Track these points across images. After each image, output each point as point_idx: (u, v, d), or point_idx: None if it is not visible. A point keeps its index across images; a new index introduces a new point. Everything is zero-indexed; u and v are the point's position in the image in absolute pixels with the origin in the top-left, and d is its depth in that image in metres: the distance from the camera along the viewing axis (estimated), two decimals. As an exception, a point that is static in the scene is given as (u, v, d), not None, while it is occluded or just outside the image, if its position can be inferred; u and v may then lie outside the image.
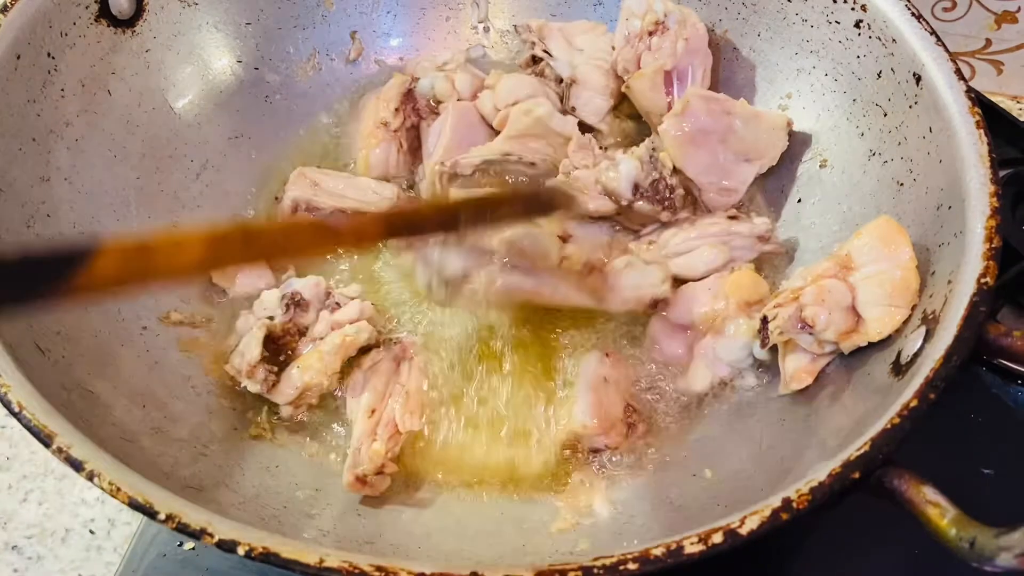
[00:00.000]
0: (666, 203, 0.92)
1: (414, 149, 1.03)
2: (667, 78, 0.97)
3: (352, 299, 0.88)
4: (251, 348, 0.83)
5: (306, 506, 0.77)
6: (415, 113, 1.02)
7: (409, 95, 1.02)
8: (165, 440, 0.76)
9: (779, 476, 0.70)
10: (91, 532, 0.94)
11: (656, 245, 0.94)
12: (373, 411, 0.82)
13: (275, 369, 0.84)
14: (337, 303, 0.88)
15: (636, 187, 0.91)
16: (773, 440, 0.80)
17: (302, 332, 0.87)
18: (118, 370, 0.79)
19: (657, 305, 0.90)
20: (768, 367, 0.87)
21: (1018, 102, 1.31)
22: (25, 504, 0.95)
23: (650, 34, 0.98)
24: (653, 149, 0.93)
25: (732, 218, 0.93)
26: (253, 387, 0.83)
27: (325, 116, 1.07)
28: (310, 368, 0.84)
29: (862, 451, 0.59)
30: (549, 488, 0.82)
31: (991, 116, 1.13)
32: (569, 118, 0.98)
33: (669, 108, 0.96)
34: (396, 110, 1.01)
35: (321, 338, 0.86)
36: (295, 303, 0.87)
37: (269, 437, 0.84)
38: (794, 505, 0.57)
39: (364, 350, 0.87)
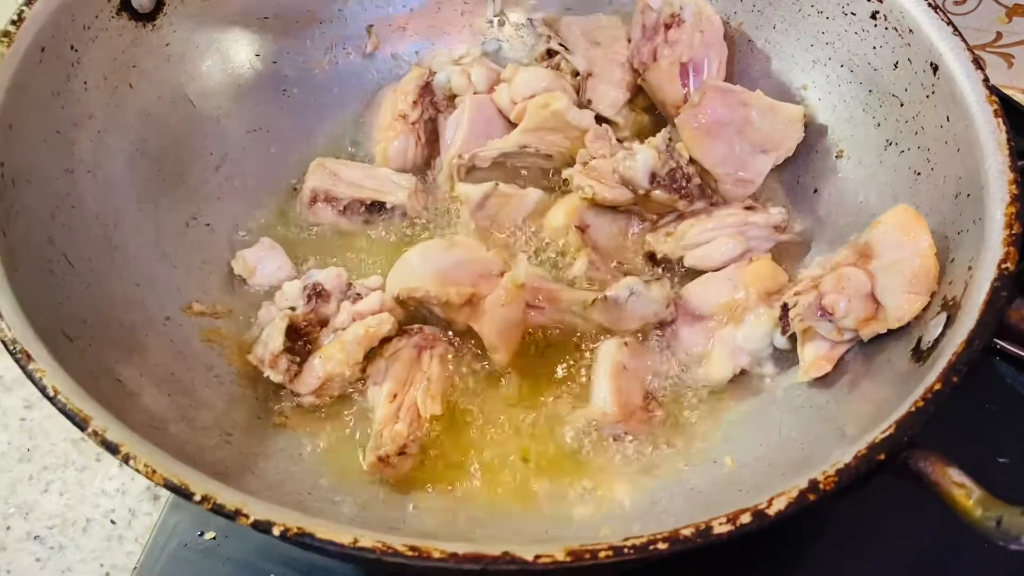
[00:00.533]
0: (683, 192, 0.92)
1: (431, 141, 1.04)
2: (683, 70, 0.98)
3: (373, 290, 0.89)
4: (274, 338, 0.83)
5: (330, 493, 0.78)
6: (432, 106, 1.03)
7: (427, 88, 1.03)
8: (191, 427, 0.76)
9: (800, 463, 0.71)
10: (112, 522, 0.95)
11: (674, 237, 0.94)
12: (395, 396, 0.83)
13: (297, 359, 0.84)
14: (358, 294, 0.88)
15: (653, 176, 0.92)
16: (793, 427, 0.81)
17: (324, 323, 0.88)
18: (144, 358, 0.80)
19: (664, 325, 0.91)
20: (788, 356, 0.87)
21: (1029, 95, 1.32)
22: (47, 495, 0.96)
23: (666, 27, 0.99)
24: (670, 139, 0.93)
25: (748, 208, 0.94)
26: (276, 377, 0.84)
27: (342, 109, 1.07)
28: (332, 358, 0.84)
29: (888, 433, 0.60)
30: (570, 475, 0.82)
31: (1004, 108, 1.14)
32: (586, 112, 0.99)
33: (685, 100, 0.97)
34: (414, 103, 1.02)
35: (343, 328, 0.86)
36: (317, 294, 0.88)
37: (292, 425, 0.85)
38: (821, 486, 0.58)
39: (385, 339, 0.87)
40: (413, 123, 1.01)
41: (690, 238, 0.93)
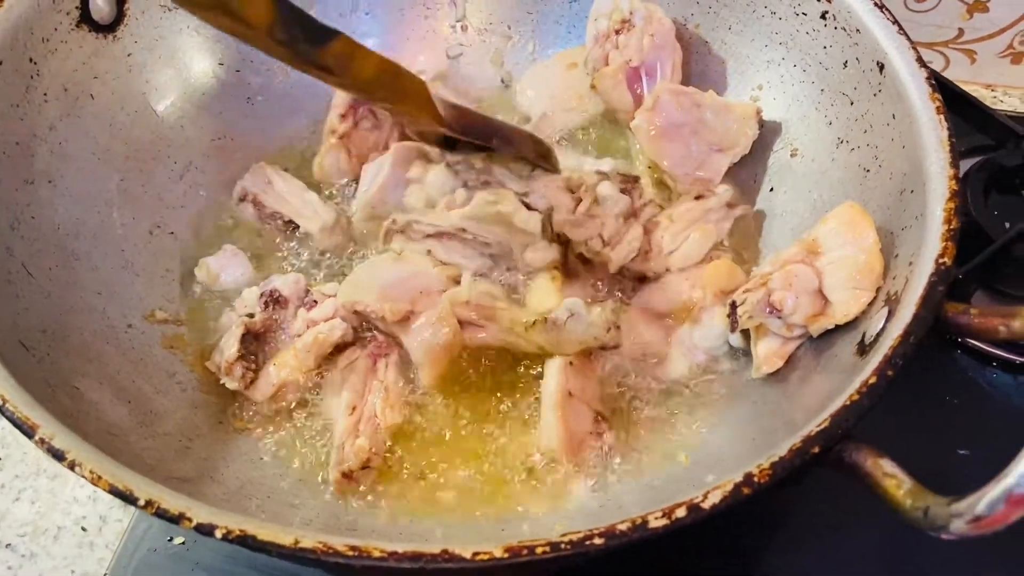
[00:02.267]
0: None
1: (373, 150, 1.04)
2: (635, 74, 0.99)
3: (329, 296, 0.89)
4: (229, 345, 0.85)
5: (290, 496, 0.79)
6: (371, 114, 1.03)
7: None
8: (150, 434, 0.77)
9: (751, 457, 0.71)
10: (83, 529, 0.95)
11: (654, 252, 0.94)
12: (353, 408, 0.83)
13: (253, 367, 0.86)
14: (315, 300, 0.89)
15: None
16: (746, 422, 0.82)
17: (282, 329, 0.89)
18: (103, 367, 0.81)
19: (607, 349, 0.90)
20: (743, 353, 0.88)
21: (992, 90, 1.33)
22: (18, 503, 0.97)
23: (617, 32, 0.99)
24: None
25: (698, 198, 0.95)
26: (231, 384, 0.85)
27: (307, 117, 1.08)
28: (286, 365, 0.85)
29: (822, 426, 0.61)
30: (526, 481, 0.83)
31: (964, 105, 1.16)
32: (534, 214, 0.92)
33: (638, 105, 0.98)
34: (342, 116, 1.01)
35: (299, 335, 0.87)
36: (274, 300, 0.89)
37: (253, 431, 0.86)
38: (755, 479, 0.59)
39: (341, 348, 0.88)
40: (341, 137, 1.01)
41: (667, 246, 0.94)
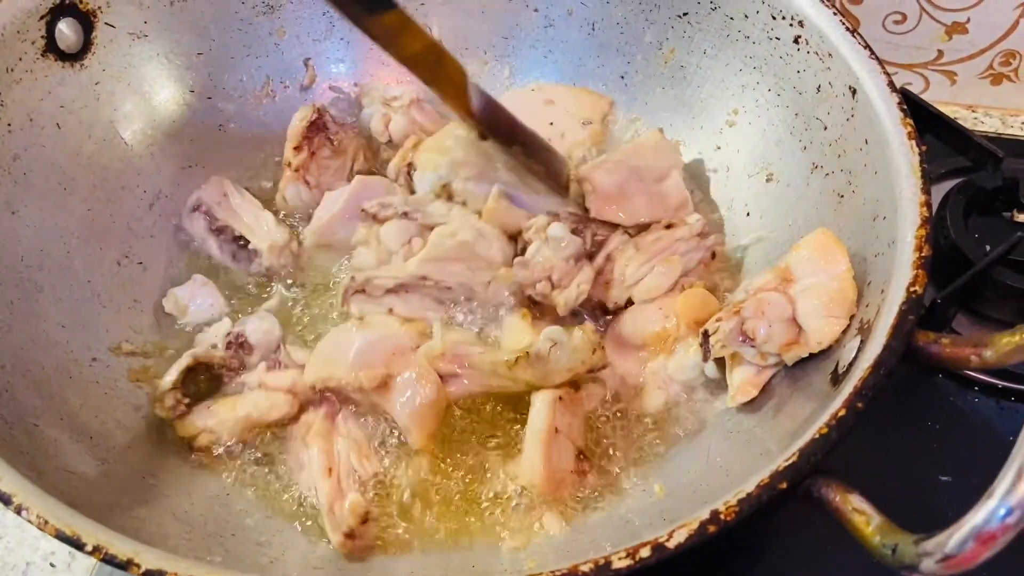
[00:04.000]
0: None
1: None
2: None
3: (295, 367, 0.87)
4: (170, 373, 0.84)
5: (255, 533, 0.77)
6: (329, 141, 1.02)
7: (314, 125, 1.02)
8: (111, 472, 0.76)
9: (724, 488, 0.70)
10: (52, 565, 0.94)
11: (615, 283, 0.93)
12: (330, 470, 0.81)
13: (186, 400, 0.84)
14: (280, 361, 0.88)
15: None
16: (720, 453, 0.81)
17: (240, 370, 0.88)
18: (65, 402, 0.79)
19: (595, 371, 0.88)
20: (719, 384, 0.87)
21: (973, 111, 1.33)
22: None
23: None
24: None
25: (668, 227, 0.94)
26: (159, 411, 0.84)
27: (281, 143, 1.07)
28: (216, 415, 0.84)
29: (790, 461, 0.60)
30: (501, 516, 0.81)
31: (942, 127, 1.15)
32: (494, 240, 0.92)
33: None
34: (295, 148, 1.01)
35: (249, 390, 0.86)
36: (239, 345, 0.88)
37: (217, 468, 0.84)
38: (722, 517, 0.58)
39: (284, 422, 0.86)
40: (297, 169, 1.00)
41: (630, 277, 0.93)
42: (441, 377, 0.85)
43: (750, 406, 0.82)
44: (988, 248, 1.05)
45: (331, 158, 1.02)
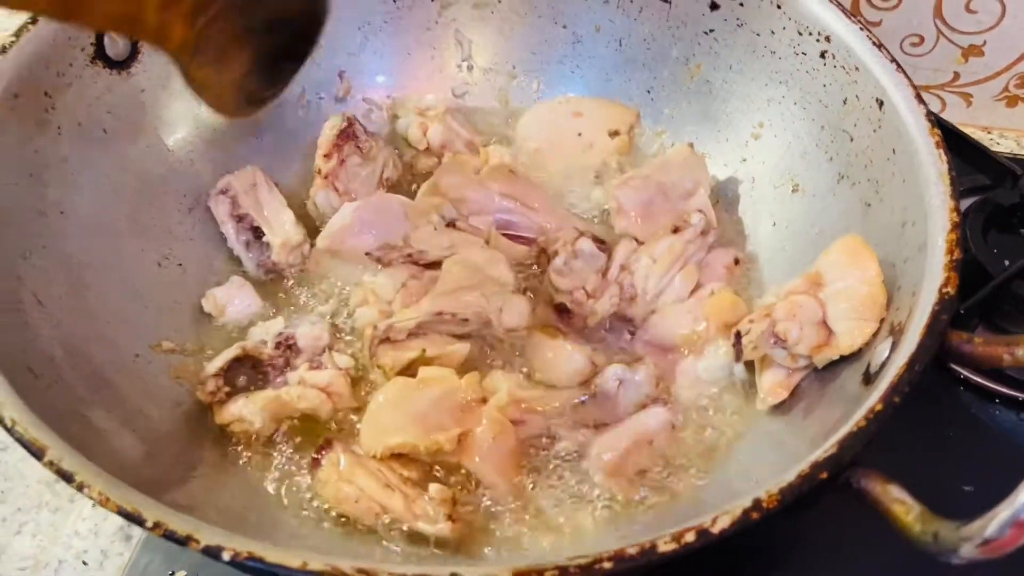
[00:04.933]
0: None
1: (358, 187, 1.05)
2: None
3: (337, 369, 0.88)
4: (217, 360, 0.86)
5: (293, 526, 0.79)
6: (357, 149, 1.04)
7: (344, 134, 1.04)
8: (155, 463, 0.77)
9: (755, 487, 0.72)
10: (84, 563, 0.95)
11: (639, 296, 0.95)
12: (387, 485, 0.79)
13: (227, 389, 0.87)
14: (323, 363, 0.89)
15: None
16: (751, 454, 0.82)
17: (284, 370, 0.89)
18: (111, 395, 0.81)
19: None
20: (748, 386, 0.89)
21: (988, 132, 1.35)
22: (19, 536, 0.96)
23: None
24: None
25: (675, 231, 0.96)
26: (200, 395, 0.86)
27: (315, 153, 1.10)
28: (250, 405, 0.85)
29: (829, 453, 0.61)
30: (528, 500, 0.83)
31: (962, 145, 1.18)
32: (502, 262, 0.92)
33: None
34: (325, 156, 1.03)
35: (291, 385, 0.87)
36: (287, 345, 0.89)
37: (258, 463, 0.86)
38: (764, 505, 0.59)
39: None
40: (327, 176, 1.03)
41: (651, 290, 0.95)
42: None
43: (779, 408, 0.83)
44: (1007, 263, 1.07)
45: (361, 166, 1.04)
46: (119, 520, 0.96)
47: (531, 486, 0.84)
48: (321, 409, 0.87)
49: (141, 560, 0.93)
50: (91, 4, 0.62)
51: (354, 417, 0.88)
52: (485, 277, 0.89)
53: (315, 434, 0.87)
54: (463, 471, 0.84)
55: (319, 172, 1.04)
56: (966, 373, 1.03)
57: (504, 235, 0.98)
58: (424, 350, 0.88)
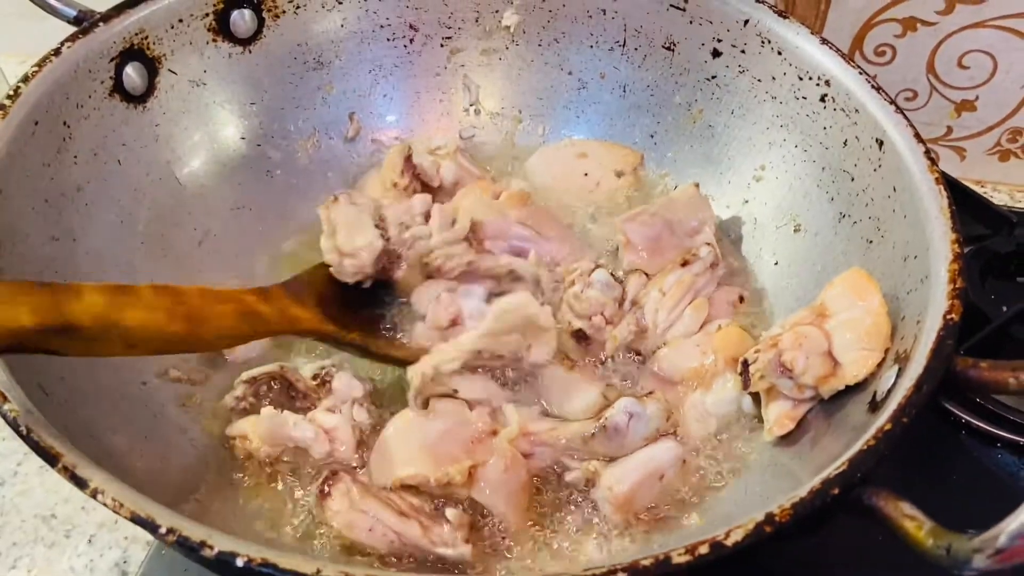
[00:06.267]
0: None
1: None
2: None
3: (351, 419, 0.86)
4: (253, 371, 0.87)
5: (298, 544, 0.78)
6: (416, 178, 1.07)
7: (408, 162, 1.07)
8: (161, 484, 0.77)
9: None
10: (81, 591, 0.93)
11: (649, 330, 0.95)
12: (400, 512, 0.79)
13: (252, 401, 0.87)
14: (340, 410, 0.87)
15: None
16: (757, 485, 0.82)
17: (310, 405, 0.89)
18: (118, 419, 0.81)
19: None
20: (755, 419, 0.89)
21: (982, 186, 1.37)
22: (14, 571, 0.95)
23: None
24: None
25: (684, 264, 0.97)
26: (228, 399, 0.88)
27: (325, 191, 1.10)
28: (257, 424, 0.84)
29: (841, 470, 0.62)
30: (543, 527, 0.83)
31: (958, 193, 1.19)
32: (546, 309, 0.90)
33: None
34: (402, 172, 1.06)
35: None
36: (323, 380, 0.89)
37: (262, 489, 0.85)
38: (777, 519, 0.59)
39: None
40: (404, 188, 1.05)
41: (661, 324, 0.95)
42: None
43: (786, 440, 0.84)
44: (1004, 309, 1.09)
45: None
46: (115, 556, 0.96)
47: (541, 517, 0.83)
48: (315, 447, 0.84)
49: (137, 594, 0.92)
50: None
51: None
52: (530, 323, 0.88)
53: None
54: (467, 502, 0.83)
55: (395, 186, 1.06)
56: (968, 417, 1.04)
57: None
58: (455, 391, 0.86)
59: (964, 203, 1.20)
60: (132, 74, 0.97)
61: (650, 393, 0.88)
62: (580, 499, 0.84)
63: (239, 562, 0.55)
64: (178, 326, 0.73)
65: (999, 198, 1.36)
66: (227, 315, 0.79)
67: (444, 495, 0.82)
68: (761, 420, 0.87)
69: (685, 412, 0.90)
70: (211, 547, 0.55)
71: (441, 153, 1.09)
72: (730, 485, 0.84)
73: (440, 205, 0.97)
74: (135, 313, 0.70)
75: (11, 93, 0.85)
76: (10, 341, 0.64)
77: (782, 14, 1.00)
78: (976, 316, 1.08)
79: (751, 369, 0.82)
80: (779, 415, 0.83)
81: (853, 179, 0.93)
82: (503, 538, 0.81)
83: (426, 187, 1.08)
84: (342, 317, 0.90)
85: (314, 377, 0.89)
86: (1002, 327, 1.06)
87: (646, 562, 0.56)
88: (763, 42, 1.01)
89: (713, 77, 1.07)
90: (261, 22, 1.06)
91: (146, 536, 0.97)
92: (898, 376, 0.72)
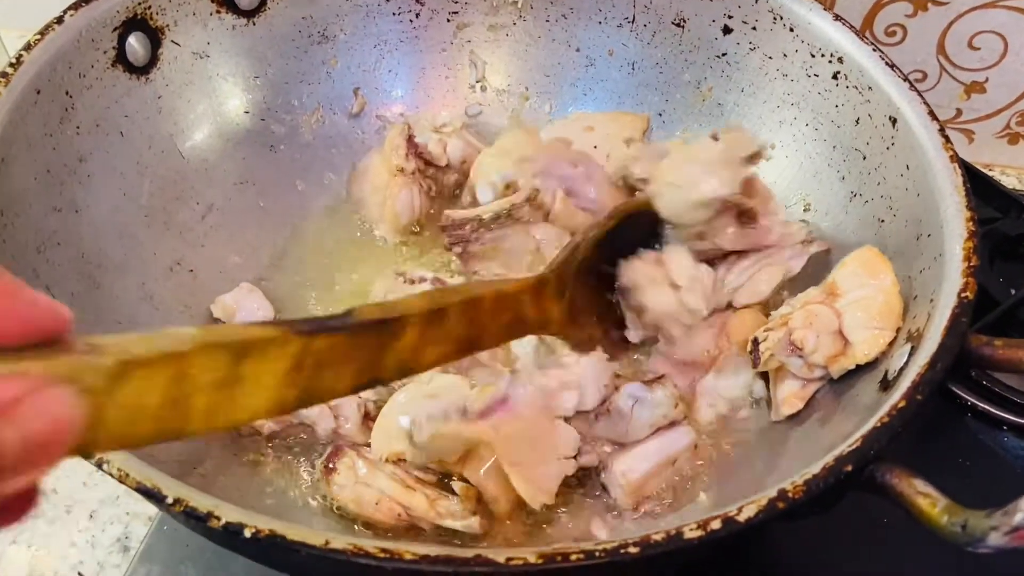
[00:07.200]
0: None
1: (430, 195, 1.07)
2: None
3: (356, 402, 0.86)
4: None
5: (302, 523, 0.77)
6: (420, 158, 1.05)
7: (411, 142, 1.05)
8: (164, 458, 0.76)
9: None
10: (79, 574, 0.93)
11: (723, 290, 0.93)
12: (405, 484, 0.79)
13: None
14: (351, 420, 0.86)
15: None
16: (767, 464, 0.82)
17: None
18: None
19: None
20: (764, 403, 0.88)
21: (990, 170, 1.36)
22: (15, 546, 0.94)
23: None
24: None
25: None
26: None
27: (329, 167, 1.11)
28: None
29: (854, 446, 0.61)
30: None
31: (968, 175, 1.19)
32: None
33: None
34: (406, 155, 1.04)
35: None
36: (366, 415, 0.87)
37: (267, 463, 0.85)
38: (790, 495, 0.58)
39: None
40: (412, 173, 1.04)
41: (731, 281, 0.93)
42: None
43: (795, 420, 0.83)
44: (1013, 292, 1.08)
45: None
46: (116, 531, 0.95)
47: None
48: (320, 423, 0.84)
49: (139, 572, 0.91)
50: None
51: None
52: None
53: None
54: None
55: (402, 171, 1.04)
56: (973, 400, 1.03)
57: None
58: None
59: (973, 185, 1.16)
60: (135, 44, 0.95)
61: (660, 377, 0.86)
62: (589, 478, 0.84)
63: (247, 533, 0.54)
64: (458, 355, 0.62)
65: (1008, 182, 1.35)
66: (500, 331, 0.68)
67: (443, 471, 0.81)
68: (771, 402, 0.86)
69: (697, 397, 0.89)
70: (218, 518, 0.55)
71: (447, 131, 1.08)
72: (740, 466, 0.84)
73: None
74: (436, 349, 0.58)
75: (13, 61, 0.83)
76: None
77: (794, -10, 0.99)
78: (985, 298, 1.07)
79: (761, 347, 0.81)
80: (788, 395, 0.82)
81: (865, 157, 0.92)
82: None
83: (432, 166, 1.07)
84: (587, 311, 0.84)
85: (357, 407, 0.87)
86: (1010, 309, 1.05)
87: (658, 537, 0.55)
88: (775, 18, 1.00)
89: (723, 54, 1.06)
90: (265, -7, 1.05)
91: (148, 512, 0.96)
92: (911, 355, 0.71)
